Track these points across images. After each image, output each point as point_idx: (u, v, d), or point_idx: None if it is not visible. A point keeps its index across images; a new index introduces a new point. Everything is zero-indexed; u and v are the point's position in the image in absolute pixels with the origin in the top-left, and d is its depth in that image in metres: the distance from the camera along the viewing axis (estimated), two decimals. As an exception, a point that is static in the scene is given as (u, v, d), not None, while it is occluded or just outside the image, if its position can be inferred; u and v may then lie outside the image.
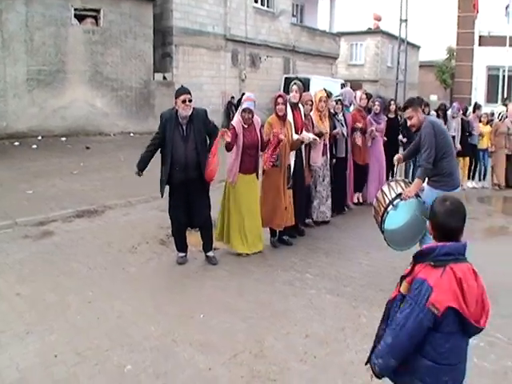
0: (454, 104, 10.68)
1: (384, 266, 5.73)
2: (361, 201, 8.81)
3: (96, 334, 3.89)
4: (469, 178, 11.07)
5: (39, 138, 14.03)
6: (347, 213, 8.18)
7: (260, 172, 6.07)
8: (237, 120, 5.79)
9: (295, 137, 6.27)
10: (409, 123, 5.17)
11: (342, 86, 22.58)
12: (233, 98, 20.73)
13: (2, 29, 13.34)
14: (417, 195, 5.01)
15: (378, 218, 5.11)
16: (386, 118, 8.87)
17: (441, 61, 38.03)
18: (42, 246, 6.03)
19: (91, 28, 15.52)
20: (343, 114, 7.88)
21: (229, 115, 20.21)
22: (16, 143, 13.23)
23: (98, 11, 15.58)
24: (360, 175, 8.48)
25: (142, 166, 5.41)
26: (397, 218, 5.05)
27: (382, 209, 5.04)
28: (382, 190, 5.19)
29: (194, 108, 5.30)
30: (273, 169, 5.93)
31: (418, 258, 2.24)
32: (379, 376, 2.31)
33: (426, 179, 5.10)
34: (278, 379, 3.40)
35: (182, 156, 5.22)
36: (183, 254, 5.66)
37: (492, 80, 22.29)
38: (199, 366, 3.52)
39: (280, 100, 5.94)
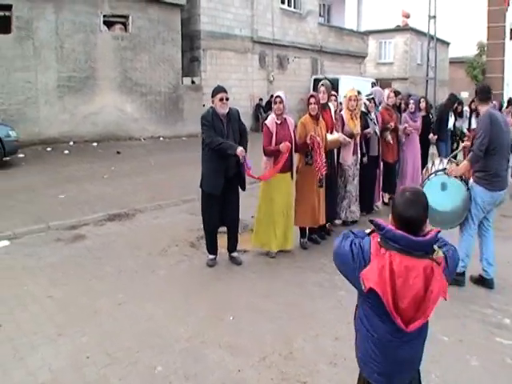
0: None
1: None
2: (387, 201, 8.67)
3: (126, 337, 3.93)
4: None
5: (71, 143, 14.30)
6: (376, 212, 8.07)
7: (294, 171, 6.09)
8: (270, 119, 5.84)
9: (329, 136, 6.30)
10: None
11: (373, 84, 22.41)
12: (261, 100, 20.76)
13: (33, 37, 13.64)
14: (464, 181, 5.04)
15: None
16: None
17: (471, 57, 37.35)
18: (74, 250, 6.13)
19: (120, 34, 15.76)
20: (375, 113, 7.83)
21: (257, 117, 20.26)
22: (48, 149, 13.51)
23: (126, 17, 15.82)
24: (388, 174, 8.37)
25: (234, 146, 5.30)
26: (436, 193, 5.05)
27: (426, 175, 5.27)
28: (433, 162, 5.41)
29: (229, 107, 5.44)
30: (306, 167, 6.00)
31: (374, 226, 2.21)
32: None
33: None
34: (307, 381, 3.38)
35: (224, 156, 5.31)
36: (213, 257, 5.70)
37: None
38: (228, 367, 3.52)
39: (312, 100, 5.97)
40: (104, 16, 15.23)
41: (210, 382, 3.34)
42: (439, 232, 2.17)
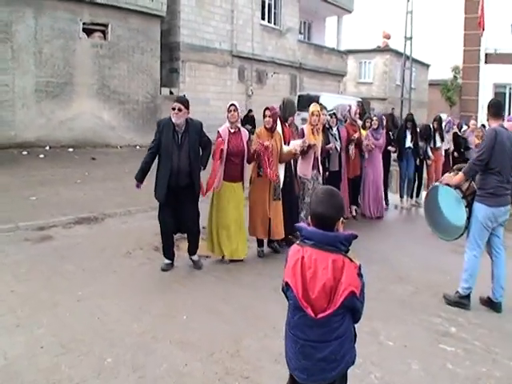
0: (449, 118, 10.94)
1: (369, 275, 5.80)
2: (354, 214, 8.94)
3: (81, 330, 4.12)
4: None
5: (47, 148, 14.35)
6: (344, 226, 8.29)
7: (248, 182, 6.27)
8: (224, 126, 5.98)
9: (285, 149, 6.41)
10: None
11: (360, 104, 22.76)
12: (238, 113, 21.01)
13: (12, 40, 13.72)
14: (463, 193, 5.01)
15: None
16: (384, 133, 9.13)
17: (448, 79, 38.22)
18: (40, 249, 6.28)
19: (99, 42, 15.90)
20: (337, 128, 8.08)
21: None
22: (24, 152, 13.54)
23: (106, 26, 15.97)
24: (353, 188, 8.67)
25: (140, 176, 5.66)
26: (435, 199, 5.38)
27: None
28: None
29: (190, 118, 5.60)
30: (259, 179, 6.14)
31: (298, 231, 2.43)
32: None
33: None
34: (250, 376, 3.56)
35: (175, 162, 5.44)
36: (169, 262, 5.81)
37: (499, 98, 22.36)
38: (176, 361, 3.71)
39: (267, 112, 6.11)
40: (84, 23, 15.36)
41: (157, 374, 3.53)
42: (355, 236, 2.39)
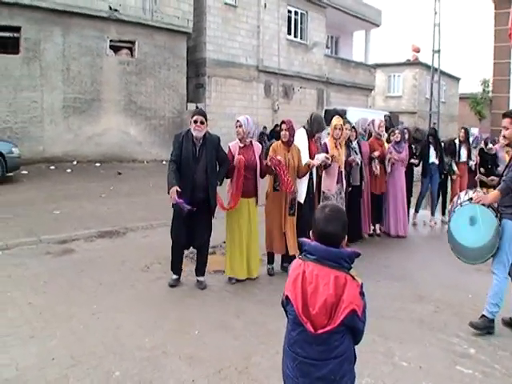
0: (476, 134, 10.71)
1: (389, 293, 5.80)
2: (379, 232, 8.80)
3: (93, 343, 4.16)
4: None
5: (74, 162, 14.73)
6: (364, 243, 8.23)
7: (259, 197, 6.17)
8: (234, 142, 5.98)
9: (304, 162, 6.31)
10: (503, 132, 4.90)
11: (387, 118, 22.69)
12: (265, 128, 21.13)
13: (41, 58, 14.21)
14: (494, 209, 4.75)
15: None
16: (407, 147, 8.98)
17: (478, 93, 37.65)
18: (61, 262, 6.41)
19: (126, 59, 16.33)
20: (358, 142, 8.01)
21: (261, 145, 20.55)
22: (52, 167, 13.92)
23: (133, 43, 16.41)
24: (377, 205, 8.53)
25: (174, 179, 5.34)
26: (465, 229, 4.86)
27: (452, 209, 5.12)
28: (459, 195, 5.24)
29: (208, 132, 5.54)
30: (274, 193, 6.10)
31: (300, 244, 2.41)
32: None
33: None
34: (256, 395, 3.51)
35: (191, 176, 5.40)
36: (176, 277, 5.79)
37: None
38: (183, 377, 3.71)
39: (284, 126, 6.07)
40: (111, 41, 15.82)
41: (164, 389, 3.55)
42: (357, 254, 2.36)
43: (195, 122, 5.38)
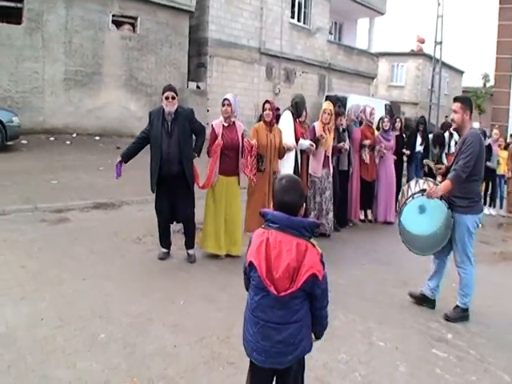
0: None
1: (374, 277, 5.98)
2: (370, 218, 8.96)
3: (81, 307, 4.35)
4: (485, 204, 10.89)
5: (74, 135, 14.76)
6: (353, 228, 8.40)
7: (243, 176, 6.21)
8: (217, 121, 5.98)
9: (286, 143, 6.38)
10: (452, 116, 4.90)
11: (388, 107, 22.74)
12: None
13: (43, 29, 14.16)
14: (445, 200, 4.78)
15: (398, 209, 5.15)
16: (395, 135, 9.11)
17: (479, 87, 37.56)
18: (55, 230, 6.59)
19: (128, 34, 16.28)
20: (347, 128, 8.05)
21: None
22: (51, 138, 13.98)
23: (135, 18, 16.34)
24: (368, 192, 8.64)
25: (125, 155, 5.83)
26: (414, 216, 4.91)
27: (403, 201, 5.05)
28: (409, 185, 5.18)
29: (180, 106, 5.65)
30: (258, 174, 6.14)
31: (262, 217, 2.54)
32: None
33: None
34: (235, 362, 3.65)
35: (165, 150, 5.48)
36: (166, 251, 5.93)
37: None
38: (166, 343, 3.88)
39: (267, 106, 6.13)
40: (113, 15, 15.75)
41: (146, 352, 3.71)
42: (317, 224, 2.54)
43: (166, 98, 5.47)
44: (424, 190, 4.76)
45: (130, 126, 16.42)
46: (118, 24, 16.01)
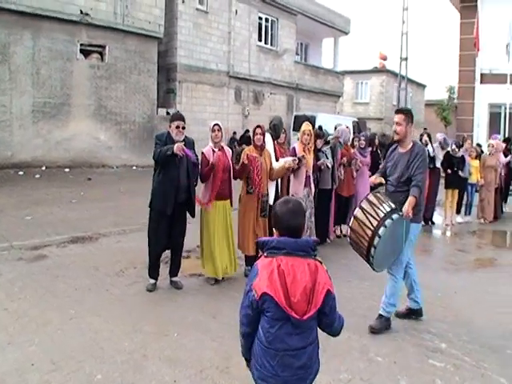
0: (438, 136, 10.97)
1: (362, 293, 5.98)
2: (345, 233, 8.94)
3: (72, 347, 4.15)
4: (458, 213, 11.24)
5: (43, 168, 14.48)
6: (332, 244, 8.39)
7: (237, 199, 6.37)
8: (207, 147, 6.05)
9: (276, 165, 6.53)
10: (394, 128, 4.96)
11: (356, 124, 23.09)
12: (235, 133, 21.21)
13: (10, 61, 13.97)
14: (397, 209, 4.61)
15: (363, 241, 4.52)
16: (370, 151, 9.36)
17: (444, 99, 38.51)
18: (34, 268, 6.31)
19: (96, 63, 16.19)
20: (331, 147, 8.22)
21: (232, 150, 20.65)
22: (20, 172, 13.68)
23: (103, 47, 16.29)
24: (345, 207, 8.74)
25: (171, 147, 5.34)
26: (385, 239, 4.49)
27: (369, 230, 4.47)
28: (362, 208, 4.61)
29: (185, 136, 5.63)
30: (248, 196, 6.23)
31: (260, 248, 2.48)
32: (246, 358, 2.61)
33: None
34: (239, 392, 3.57)
35: (175, 178, 5.48)
36: (154, 281, 5.79)
37: (494, 117, 22.62)
38: (165, 378, 3.74)
39: (258, 130, 6.24)
40: (81, 45, 15.67)
41: (146, 390, 3.57)
42: (318, 242, 2.57)
43: (177, 127, 5.49)
44: (391, 212, 4.50)
45: (99, 156, 16.27)
46: (86, 53, 15.91)
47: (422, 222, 5.19)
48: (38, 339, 4.27)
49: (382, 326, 4.88)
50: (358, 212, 4.63)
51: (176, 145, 5.29)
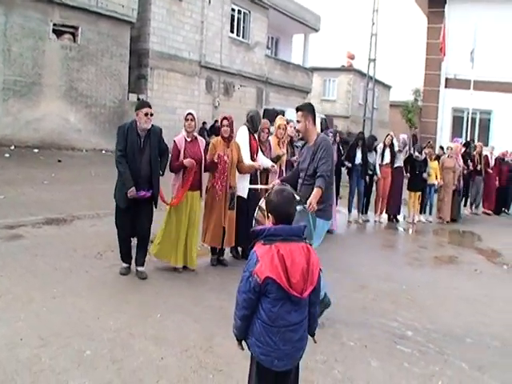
0: (401, 137, 11.33)
1: (334, 284, 6.01)
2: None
3: (58, 324, 4.23)
4: (421, 212, 11.70)
5: (12, 147, 14.19)
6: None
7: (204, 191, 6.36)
8: (180, 136, 6.02)
9: (247, 160, 6.53)
10: (296, 126, 5.08)
11: (324, 120, 23.35)
12: (205, 123, 21.19)
13: (-20, 36, 13.60)
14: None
15: None
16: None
17: (410, 102, 39.30)
18: (11, 247, 6.29)
19: (69, 44, 15.94)
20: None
21: (203, 140, 20.67)
22: (-11, 151, 13.41)
23: (76, 28, 16.04)
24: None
25: (132, 180, 5.42)
26: None
27: None
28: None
29: (152, 124, 5.55)
30: (214, 188, 6.24)
31: (255, 236, 2.68)
32: (238, 339, 2.80)
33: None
34: (223, 370, 3.77)
35: (136, 167, 5.43)
36: (127, 265, 5.79)
37: (457, 121, 23.33)
38: (152, 355, 3.88)
39: (225, 122, 6.24)
40: (54, 24, 15.39)
41: (135, 366, 3.69)
42: (305, 226, 2.81)
43: (146, 114, 5.40)
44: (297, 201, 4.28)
45: (68, 138, 16.08)
46: (58, 33, 15.63)
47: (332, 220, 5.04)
48: (24, 315, 4.33)
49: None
50: (262, 202, 4.31)
51: (130, 190, 5.34)
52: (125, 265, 5.80)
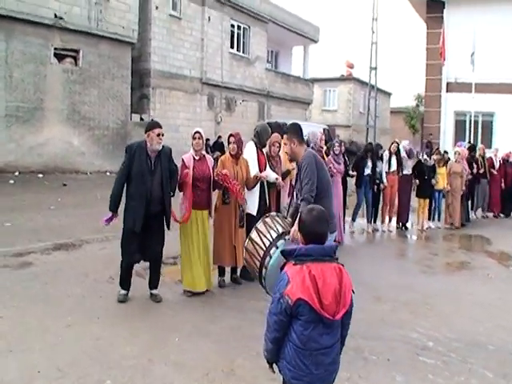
0: (406, 146, 11.20)
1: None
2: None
3: (75, 354, 4.11)
4: (430, 219, 11.57)
5: (16, 173, 14.16)
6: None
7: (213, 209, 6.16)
8: (188, 155, 5.93)
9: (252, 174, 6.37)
10: (284, 148, 4.99)
11: (326, 131, 23.29)
12: (208, 140, 21.14)
13: (-19, 64, 13.60)
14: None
15: (255, 261, 4.06)
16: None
17: (410, 107, 39.32)
18: (22, 276, 6.19)
19: (70, 67, 15.96)
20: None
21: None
22: (-7, 178, 13.36)
23: (77, 51, 16.07)
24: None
25: (115, 206, 5.40)
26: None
27: (261, 251, 4.03)
28: (258, 229, 4.20)
29: (162, 145, 5.44)
30: (224, 206, 6.09)
31: (286, 256, 2.62)
32: (269, 362, 2.72)
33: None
34: (248, 394, 3.63)
35: (147, 189, 5.30)
36: (125, 292, 5.57)
37: (459, 125, 23.24)
38: (174, 382, 3.77)
39: (232, 139, 6.15)
40: (55, 49, 15.41)
41: (157, 394, 3.59)
42: (337, 246, 2.76)
43: (158, 135, 5.31)
44: (282, 234, 4.12)
45: (72, 161, 16.04)
46: (59, 57, 15.65)
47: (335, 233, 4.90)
48: (39, 346, 4.22)
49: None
50: (253, 233, 4.18)
51: (105, 216, 5.45)
52: (123, 292, 5.57)
